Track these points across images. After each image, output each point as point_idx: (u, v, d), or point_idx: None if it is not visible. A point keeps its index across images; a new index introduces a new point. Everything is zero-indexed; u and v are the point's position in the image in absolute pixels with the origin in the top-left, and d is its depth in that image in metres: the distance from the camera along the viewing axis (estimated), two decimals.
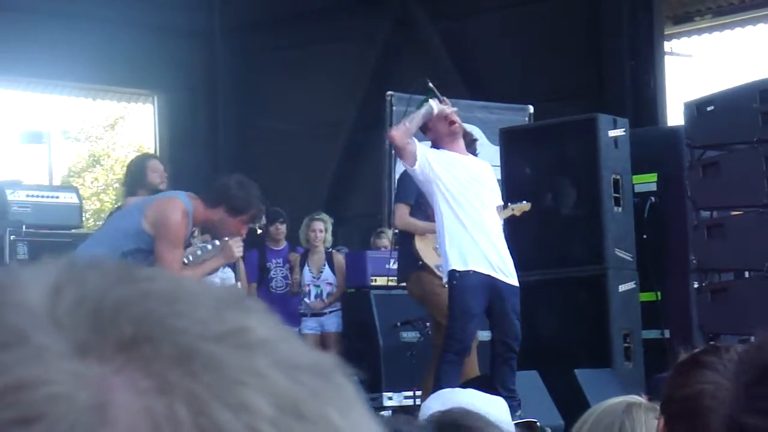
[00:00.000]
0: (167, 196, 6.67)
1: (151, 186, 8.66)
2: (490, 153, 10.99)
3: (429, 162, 7.63)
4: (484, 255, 7.56)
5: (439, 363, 7.57)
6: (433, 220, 8.07)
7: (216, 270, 8.28)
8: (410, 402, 9.69)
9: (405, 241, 8.77)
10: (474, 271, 7.51)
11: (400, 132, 7.65)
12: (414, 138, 7.73)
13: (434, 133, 7.89)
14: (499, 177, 9.71)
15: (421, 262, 8.51)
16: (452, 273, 7.52)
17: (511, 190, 9.19)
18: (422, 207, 8.55)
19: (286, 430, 0.53)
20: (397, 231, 9.20)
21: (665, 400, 2.10)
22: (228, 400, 0.53)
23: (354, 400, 0.57)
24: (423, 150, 7.70)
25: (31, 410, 0.51)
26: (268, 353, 0.55)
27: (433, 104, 7.78)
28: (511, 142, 9.35)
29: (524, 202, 8.21)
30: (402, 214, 8.69)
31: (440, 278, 8.18)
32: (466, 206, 7.65)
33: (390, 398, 9.81)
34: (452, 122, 7.79)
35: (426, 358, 9.05)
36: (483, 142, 11.53)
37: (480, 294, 7.52)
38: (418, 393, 9.41)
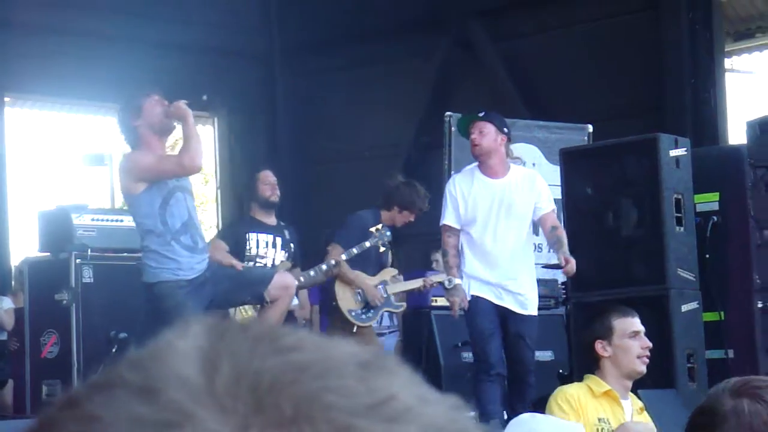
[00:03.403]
0: None
1: (262, 199, 8.73)
2: (549, 173, 10.97)
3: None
4: (488, 284, 7.86)
5: (475, 384, 8.00)
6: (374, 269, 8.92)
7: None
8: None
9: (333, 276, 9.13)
10: (479, 297, 7.91)
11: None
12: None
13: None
14: (559, 197, 9.71)
15: (334, 302, 8.94)
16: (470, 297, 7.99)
17: (571, 211, 9.18)
18: (366, 253, 8.86)
19: None
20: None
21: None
22: None
23: None
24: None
25: None
26: (414, 421, 0.57)
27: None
28: (571, 162, 9.32)
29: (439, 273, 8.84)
30: (336, 255, 8.89)
31: (350, 322, 8.91)
32: (472, 232, 7.92)
33: None
34: (474, 145, 7.98)
35: None
36: (542, 162, 11.53)
37: (491, 314, 7.96)
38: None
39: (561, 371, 9.56)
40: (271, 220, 8.94)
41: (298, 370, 0.57)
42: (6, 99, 14.72)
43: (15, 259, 13.18)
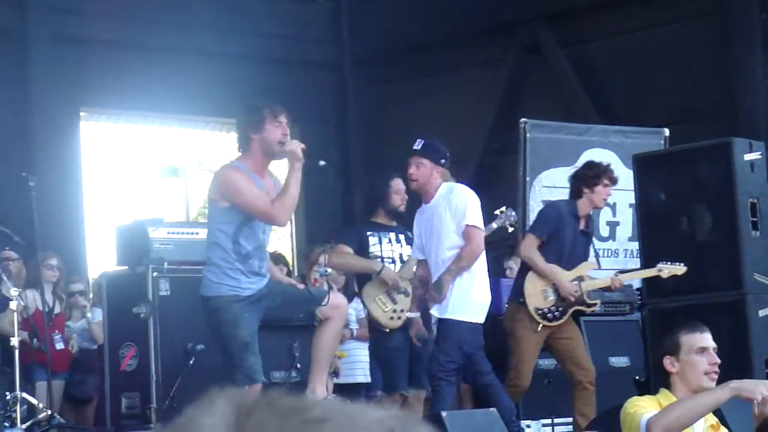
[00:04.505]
0: None
1: (392, 208, 8.71)
2: (626, 178, 10.91)
3: None
4: None
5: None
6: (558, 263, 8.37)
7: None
8: (548, 430, 9.64)
9: (523, 270, 8.85)
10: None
11: None
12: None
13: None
14: (633, 202, 9.65)
15: (522, 299, 8.63)
16: None
17: (645, 217, 9.13)
18: (552, 247, 8.66)
19: None
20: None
21: None
22: None
23: None
24: None
25: None
26: None
27: None
28: (645, 167, 9.27)
29: (680, 264, 8.35)
30: (530, 245, 8.74)
31: (535, 323, 8.44)
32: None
33: (528, 426, 9.77)
34: (411, 180, 8.23)
35: (563, 385, 9.02)
36: (619, 167, 11.46)
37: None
38: (557, 420, 9.37)
39: (637, 377, 9.50)
40: (393, 223, 8.87)
41: None
42: (81, 113, 14.91)
43: (93, 273, 13.35)
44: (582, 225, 8.89)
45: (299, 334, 8.46)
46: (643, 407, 5.04)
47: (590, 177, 8.81)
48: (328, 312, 7.29)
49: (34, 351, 10.14)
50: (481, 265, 8.12)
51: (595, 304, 9.09)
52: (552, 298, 8.74)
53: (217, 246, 7.12)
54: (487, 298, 8.12)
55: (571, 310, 8.82)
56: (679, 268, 8.45)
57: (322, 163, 7.48)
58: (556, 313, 8.75)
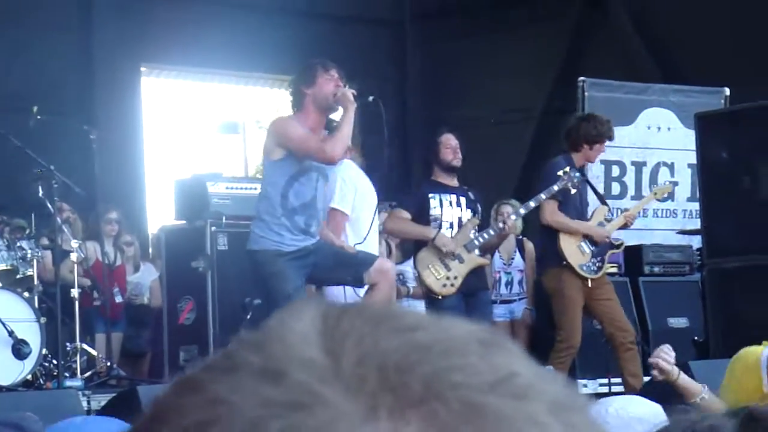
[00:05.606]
0: None
1: (444, 163, 8.71)
2: (684, 137, 10.81)
3: None
4: None
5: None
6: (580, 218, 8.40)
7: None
8: (605, 389, 9.61)
9: (550, 235, 8.81)
10: None
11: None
12: None
13: None
14: (694, 162, 9.57)
15: (564, 261, 8.63)
16: None
17: (707, 176, 9.04)
18: (569, 205, 8.65)
19: None
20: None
21: None
22: None
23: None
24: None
25: None
26: (539, 398, 0.57)
27: None
28: (707, 126, 9.17)
29: (666, 183, 8.43)
30: (552, 210, 8.71)
31: (582, 278, 8.45)
32: None
33: (585, 386, 9.74)
34: None
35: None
36: (677, 126, 11.35)
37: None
38: (614, 380, 9.34)
39: (696, 338, 9.44)
40: (454, 182, 8.82)
41: (422, 350, 0.57)
42: (142, 69, 14.98)
43: (153, 227, 13.45)
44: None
45: None
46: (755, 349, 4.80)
47: (592, 135, 8.80)
48: (375, 277, 7.27)
49: (93, 301, 10.24)
50: None
51: (621, 244, 9.27)
52: (588, 251, 8.81)
53: (266, 200, 7.17)
54: None
55: (607, 257, 8.91)
56: (669, 187, 8.57)
57: (371, 98, 7.50)
58: (599, 264, 8.83)
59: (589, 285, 8.74)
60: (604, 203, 9.29)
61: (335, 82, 7.15)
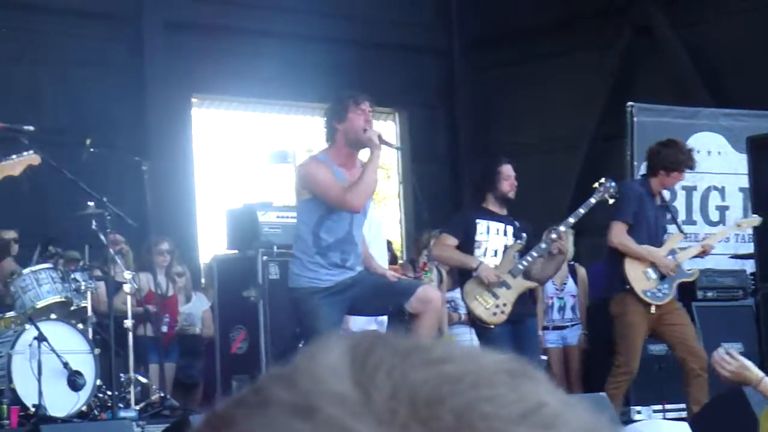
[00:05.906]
0: None
1: (501, 194, 8.69)
2: (735, 161, 10.74)
3: None
4: None
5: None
6: (652, 243, 8.33)
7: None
8: (659, 416, 9.54)
9: (615, 258, 8.75)
10: None
11: None
12: None
13: None
14: (743, 186, 9.50)
15: (628, 286, 8.56)
16: None
17: (760, 199, 8.98)
18: (639, 229, 8.58)
19: None
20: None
21: None
22: None
23: None
24: None
25: None
26: (567, 427, 0.58)
27: None
28: (758, 149, 9.12)
29: (755, 217, 8.24)
30: (620, 231, 8.66)
31: (645, 304, 8.37)
32: None
33: (639, 412, 9.68)
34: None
35: (675, 372, 8.91)
36: (728, 150, 11.28)
37: None
38: (668, 406, 9.27)
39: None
40: (503, 211, 8.79)
41: (452, 381, 0.58)
42: (193, 100, 15.09)
43: (204, 257, 13.51)
44: (659, 200, 8.90)
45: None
46: None
47: (670, 162, 8.72)
48: (418, 306, 7.21)
49: (146, 333, 10.29)
50: None
51: (694, 276, 9.11)
52: (654, 277, 8.73)
53: (300, 239, 7.25)
54: None
55: (675, 285, 8.78)
56: (755, 220, 8.41)
57: (396, 147, 7.56)
58: (665, 291, 8.71)
59: (652, 311, 8.66)
60: (680, 231, 9.20)
61: (365, 117, 7.16)
